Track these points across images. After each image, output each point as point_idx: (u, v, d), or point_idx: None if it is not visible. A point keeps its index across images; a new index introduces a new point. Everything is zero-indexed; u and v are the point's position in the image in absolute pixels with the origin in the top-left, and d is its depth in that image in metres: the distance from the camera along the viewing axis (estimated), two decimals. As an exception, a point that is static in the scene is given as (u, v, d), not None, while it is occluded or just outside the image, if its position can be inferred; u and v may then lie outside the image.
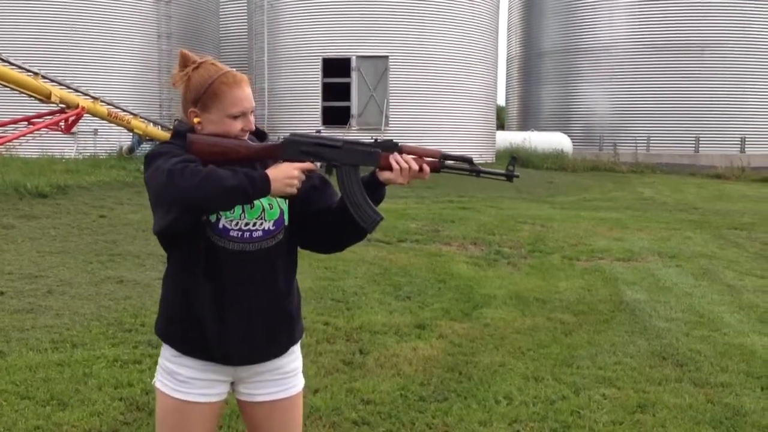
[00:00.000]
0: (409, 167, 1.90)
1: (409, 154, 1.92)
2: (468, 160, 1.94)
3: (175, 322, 1.97)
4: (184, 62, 1.96)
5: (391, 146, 1.92)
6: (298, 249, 2.09)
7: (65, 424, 3.34)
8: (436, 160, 1.93)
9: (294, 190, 1.85)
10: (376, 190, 1.95)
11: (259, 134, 2.01)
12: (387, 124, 20.13)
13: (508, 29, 31.68)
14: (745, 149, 24.37)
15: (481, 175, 1.96)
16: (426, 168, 1.92)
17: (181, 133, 1.92)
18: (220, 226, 1.91)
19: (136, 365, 4.09)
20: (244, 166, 1.85)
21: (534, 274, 7.19)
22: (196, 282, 1.92)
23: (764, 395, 3.99)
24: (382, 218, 1.94)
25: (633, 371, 4.32)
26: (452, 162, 1.95)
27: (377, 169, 1.94)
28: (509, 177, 1.96)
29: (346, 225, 1.95)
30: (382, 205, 1.99)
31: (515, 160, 1.96)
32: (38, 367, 3.99)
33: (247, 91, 1.92)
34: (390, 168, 1.91)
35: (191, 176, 1.72)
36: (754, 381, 4.22)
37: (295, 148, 1.90)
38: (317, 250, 2.11)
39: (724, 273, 7.40)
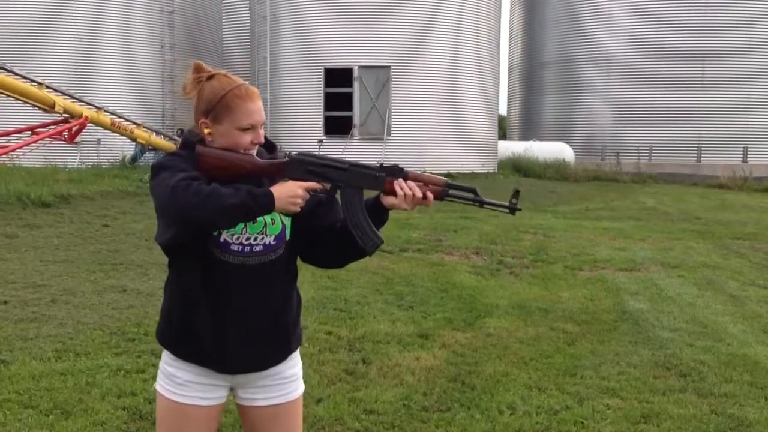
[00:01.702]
0: (413, 194, 1.92)
1: (414, 180, 1.94)
2: (472, 191, 1.96)
3: (174, 329, 2.00)
4: (198, 71, 1.98)
5: (397, 172, 1.93)
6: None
7: (68, 434, 3.34)
8: (440, 188, 1.95)
9: (297, 209, 1.87)
10: (380, 214, 1.97)
11: (269, 146, 2.03)
12: (389, 133, 20.17)
13: (509, 39, 31.78)
14: (748, 159, 24.35)
15: (485, 206, 1.97)
16: (430, 196, 1.94)
17: (190, 144, 1.94)
18: (221, 239, 1.93)
19: (140, 374, 4.09)
20: (249, 182, 1.87)
21: (536, 283, 7.18)
22: (195, 293, 1.94)
23: (768, 406, 3.98)
24: (382, 242, 1.96)
25: (637, 381, 4.31)
26: (456, 191, 1.97)
27: (382, 194, 1.96)
28: (512, 210, 1.97)
29: (347, 245, 1.98)
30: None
31: (518, 193, 1.97)
32: (41, 376, 3.99)
33: (258, 104, 1.94)
34: (395, 193, 1.93)
35: (195, 194, 1.74)
36: (757, 391, 4.20)
37: (302, 167, 1.92)
38: (317, 265, 2.14)
39: (728, 283, 7.38)
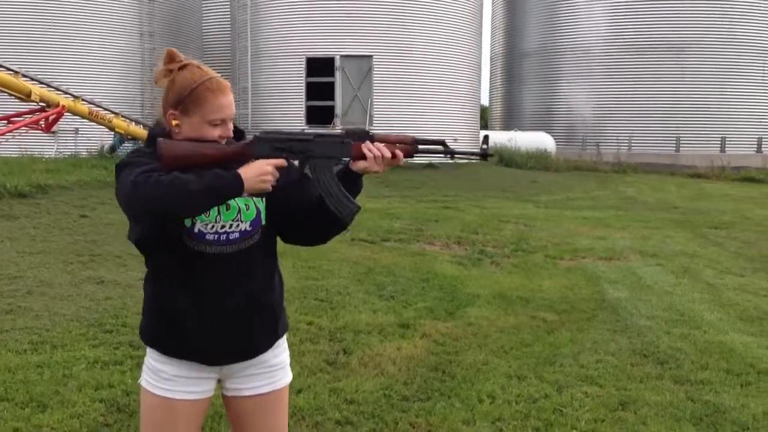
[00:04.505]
0: (382, 155, 1.90)
1: (380, 141, 1.92)
2: (441, 143, 1.95)
3: (157, 325, 1.97)
4: (170, 60, 1.94)
5: (363, 135, 1.92)
6: (285, 245, 2.09)
7: (45, 426, 3.30)
8: (409, 145, 1.94)
9: (268, 186, 1.84)
10: (353, 181, 1.94)
11: (237, 133, 2.00)
12: (371, 123, 20.11)
13: (491, 29, 31.80)
14: (726, 149, 24.63)
15: (456, 156, 1.97)
16: (399, 154, 1.92)
17: (154, 138, 1.90)
18: (196, 230, 1.90)
19: (117, 366, 4.05)
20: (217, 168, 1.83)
21: (517, 273, 7.22)
22: (175, 287, 1.92)
23: (743, 392, 4.04)
24: (358, 208, 1.94)
25: (615, 369, 4.35)
26: (425, 147, 1.96)
27: (351, 160, 1.93)
28: (483, 156, 1.98)
29: (324, 217, 1.95)
30: (367, 203, 1.97)
31: (487, 138, 1.99)
32: (17, 368, 3.94)
33: (229, 98, 1.91)
34: (364, 157, 1.91)
35: (155, 186, 1.71)
36: (733, 378, 4.26)
37: (267, 145, 1.89)
38: (301, 243, 2.11)
39: (705, 271, 7.47)
